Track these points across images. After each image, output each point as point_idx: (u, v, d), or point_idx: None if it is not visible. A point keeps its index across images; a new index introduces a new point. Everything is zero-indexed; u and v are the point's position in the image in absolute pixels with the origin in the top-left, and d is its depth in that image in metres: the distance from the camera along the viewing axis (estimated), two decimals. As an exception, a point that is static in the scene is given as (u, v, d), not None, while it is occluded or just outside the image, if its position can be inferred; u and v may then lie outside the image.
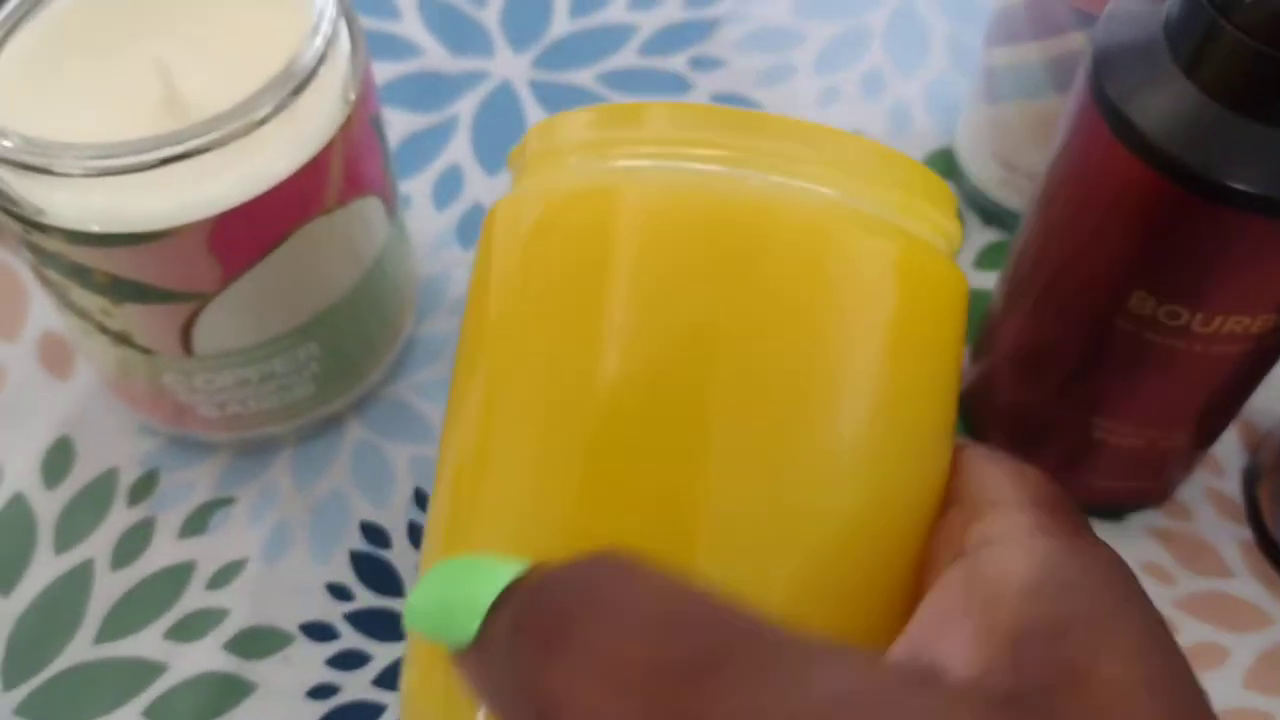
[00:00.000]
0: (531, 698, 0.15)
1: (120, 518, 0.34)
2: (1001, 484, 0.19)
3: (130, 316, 0.29)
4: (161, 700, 0.31)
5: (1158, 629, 0.16)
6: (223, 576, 0.33)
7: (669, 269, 0.18)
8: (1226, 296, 0.25)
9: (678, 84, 0.44)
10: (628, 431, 0.17)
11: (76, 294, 0.29)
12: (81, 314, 0.30)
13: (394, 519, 0.34)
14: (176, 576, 0.33)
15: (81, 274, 0.28)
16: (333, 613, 0.33)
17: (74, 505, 0.34)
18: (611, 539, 0.18)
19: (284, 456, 0.35)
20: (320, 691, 0.32)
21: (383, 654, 0.32)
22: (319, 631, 0.32)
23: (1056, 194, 0.28)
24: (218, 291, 0.29)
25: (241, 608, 0.33)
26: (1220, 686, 0.32)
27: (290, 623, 0.33)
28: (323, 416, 0.35)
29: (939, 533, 0.19)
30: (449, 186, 0.41)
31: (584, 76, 0.44)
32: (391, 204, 0.33)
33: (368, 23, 0.45)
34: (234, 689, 0.31)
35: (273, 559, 0.33)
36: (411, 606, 0.18)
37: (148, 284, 0.28)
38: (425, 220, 0.40)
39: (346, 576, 0.33)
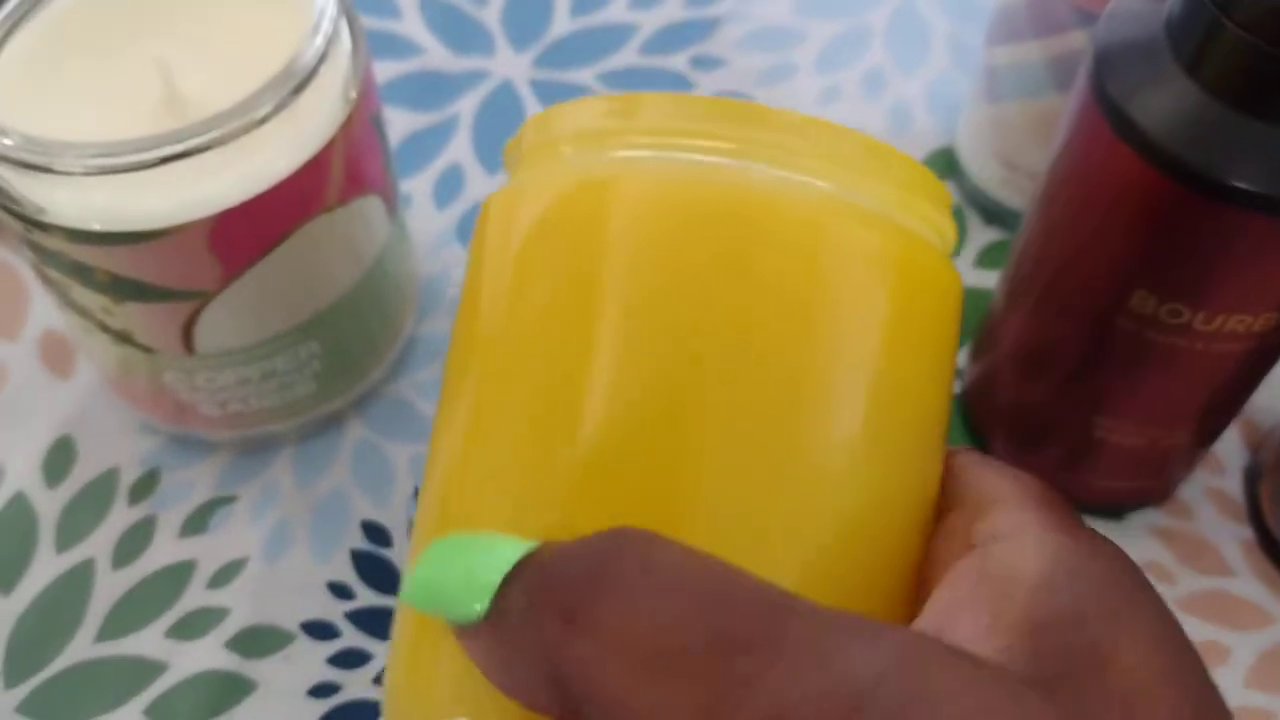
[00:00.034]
0: (555, 675, 0.15)
1: (121, 516, 0.34)
2: (1001, 485, 0.19)
3: (131, 315, 0.29)
4: (162, 699, 0.31)
5: (1169, 622, 0.16)
6: (223, 575, 0.33)
7: (665, 261, 0.18)
8: (1228, 295, 0.25)
9: (679, 83, 0.44)
10: (623, 426, 0.17)
11: (77, 293, 0.29)
12: (82, 313, 0.30)
13: (395, 518, 0.34)
14: (177, 575, 0.33)
15: (82, 273, 0.28)
16: (334, 611, 0.33)
17: (75, 504, 0.34)
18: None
19: (285, 455, 0.35)
20: (321, 690, 0.32)
21: (384, 653, 0.32)
22: (320, 630, 0.32)
23: (1058, 193, 0.28)
24: (219, 290, 0.29)
25: (242, 606, 0.33)
26: (1222, 685, 0.32)
27: (291, 621, 0.33)
28: (324, 415, 0.35)
29: (942, 533, 0.19)
30: (450, 185, 0.41)
31: (585, 76, 0.44)
32: (392, 203, 0.33)
33: (368, 22, 0.45)
34: (235, 688, 0.31)
35: (273, 558, 0.34)
36: (414, 581, 0.17)
37: (149, 283, 0.28)
38: (426, 219, 0.40)
39: (347, 575, 0.33)
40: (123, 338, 0.30)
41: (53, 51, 0.30)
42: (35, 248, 0.28)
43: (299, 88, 0.27)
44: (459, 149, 0.42)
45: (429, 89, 0.43)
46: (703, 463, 0.17)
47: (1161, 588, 0.34)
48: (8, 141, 0.26)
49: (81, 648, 0.32)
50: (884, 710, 0.13)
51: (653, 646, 0.14)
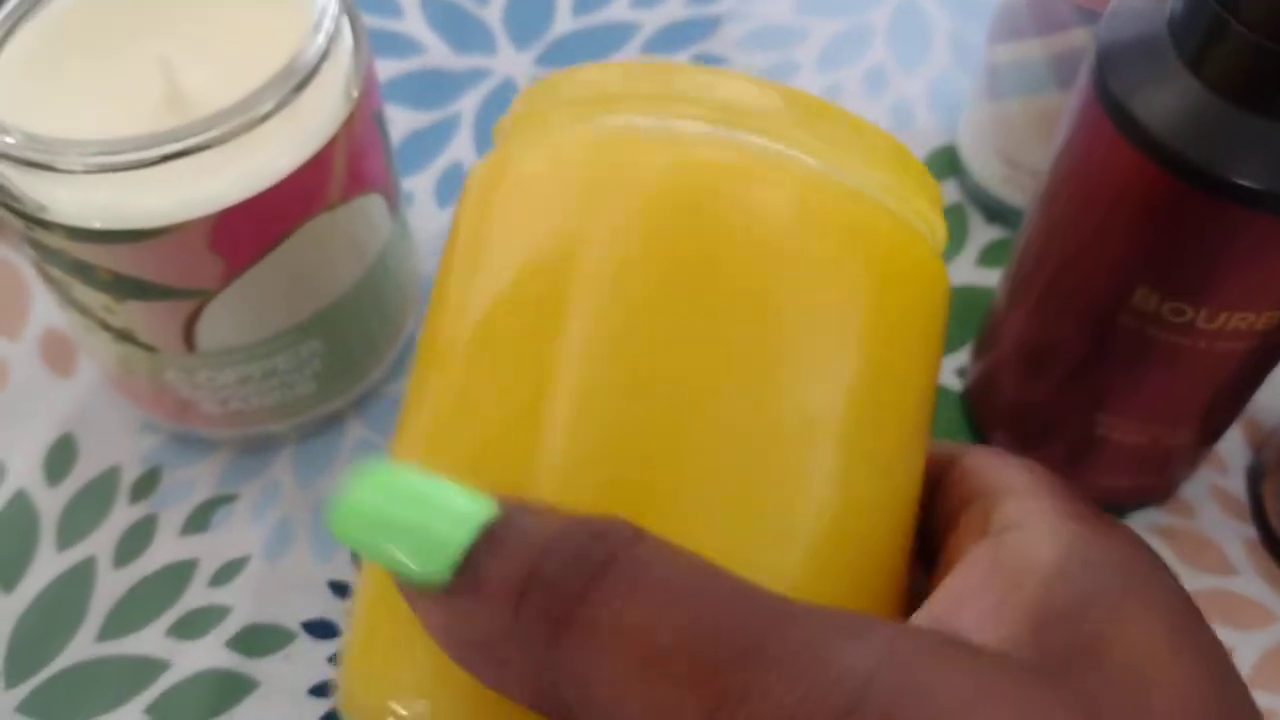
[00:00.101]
0: (540, 672, 0.15)
1: (122, 515, 0.34)
2: (1014, 475, 0.19)
3: (132, 313, 0.29)
4: (164, 698, 0.31)
5: (1184, 603, 0.16)
6: (225, 574, 0.33)
7: (644, 229, 0.17)
8: (1231, 293, 0.25)
9: (680, 81, 0.44)
10: (598, 405, 0.17)
11: (79, 291, 0.29)
12: (84, 311, 0.30)
13: (396, 516, 0.34)
14: (178, 574, 0.33)
15: (84, 271, 0.28)
16: (334, 610, 0.33)
17: (76, 502, 0.34)
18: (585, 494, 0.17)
19: (286, 454, 0.35)
20: (322, 689, 0.32)
21: (385, 651, 0.32)
22: (321, 629, 0.32)
23: (1060, 191, 0.28)
24: (220, 288, 0.29)
25: (243, 605, 0.33)
26: (1224, 684, 0.32)
27: (292, 620, 0.33)
28: (324, 414, 0.35)
29: (959, 527, 0.19)
30: (451, 184, 0.41)
31: (586, 74, 0.44)
32: (394, 201, 0.33)
33: (370, 21, 0.45)
34: (236, 686, 0.31)
35: (274, 556, 0.33)
36: (349, 511, 0.15)
37: (150, 281, 0.28)
38: (428, 218, 0.40)
39: (348, 574, 0.33)
40: (124, 336, 0.30)
41: (53, 51, 0.30)
42: (36, 246, 0.28)
43: (301, 85, 0.27)
44: (461, 148, 0.42)
45: (431, 88, 0.43)
46: (673, 440, 0.17)
47: (1164, 586, 0.34)
48: (9, 139, 0.26)
49: (82, 646, 0.32)
50: (877, 707, 0.13)
51: (651, 651, 0.14)
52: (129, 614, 0.32)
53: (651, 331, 0.17)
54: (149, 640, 0.32)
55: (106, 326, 0.30)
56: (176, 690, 0.31)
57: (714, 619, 0.14)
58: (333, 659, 0.32)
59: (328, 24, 0.28)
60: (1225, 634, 0.33)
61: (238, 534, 0.34)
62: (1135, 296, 0.27)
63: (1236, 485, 0.35)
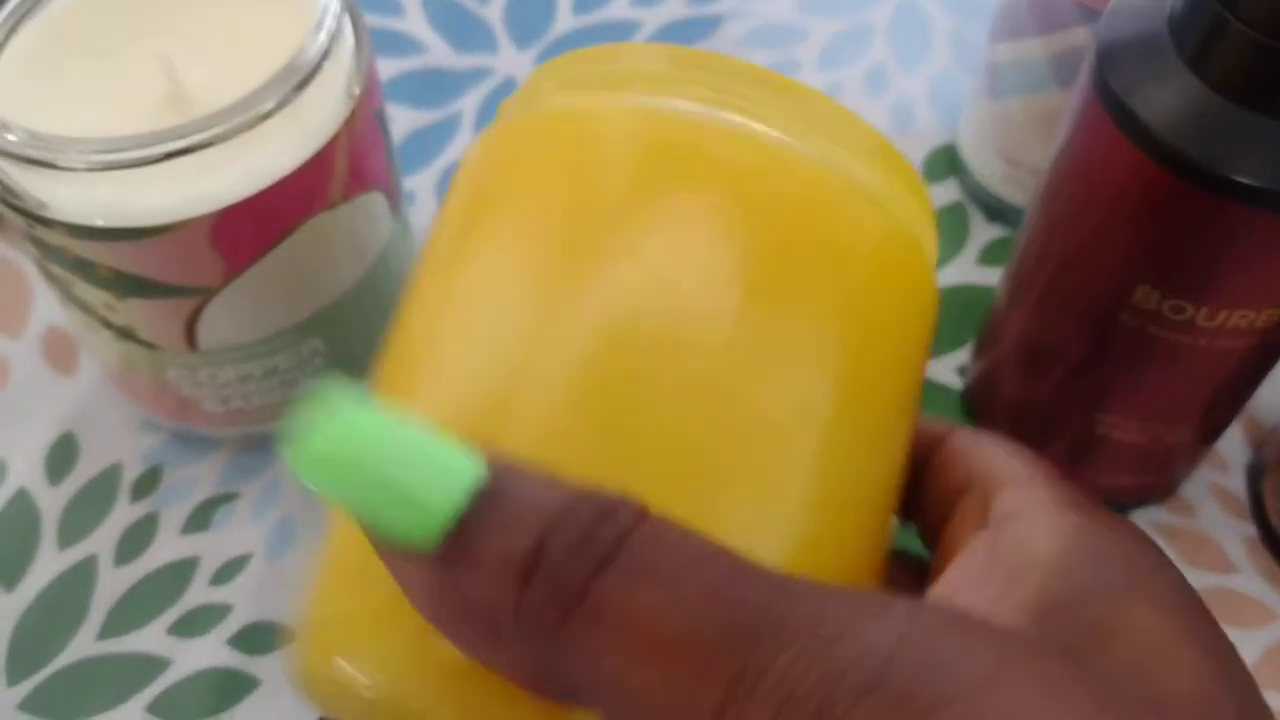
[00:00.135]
0: (542, 652, 0.14)
1: (124, 513, 0.34)
2: (1013, 464, 0.19)
3: (134, 311, 0.29)
4: (165, 696, 0.31)
5: (1189, 593, 0.16)
6: (226, 572, 0.33)
7: (640, 196, 0.18)
8: (1231, 291, 0.25)
9: (681, 81, 0.44)
10: (582, 347, 0.17)
11: (80, 289, 0.29)
12: (85, 309, 0.30)
13: (397, 515, 0.34)
14: (180, 572, 0.33)
15: (85, 269, 0.28)
16: (336, 608, 0.33)
17: (77, 501, 0.34)
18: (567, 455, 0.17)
19: (287, 452, 0.35)
20: (324, 687, 0.32)
21: (386, 649, 0.32)
22: (322, 627, 0.32)
23: (1060, 189, 0.28)
24: (222, 286, 0.29)
25: (245, 603, 0.33)
26: (1224, 682, 0.32)
27: (293, 619, 0.33)
28: (326, 412, 0.35)
29: (957, 514, 0.19)
30: (452, 183, 0.41)
31: (587, 73, 0.44)
32: (395, 200, 0.33)
33: (372, 20, 0.45)
34: (237, 684, 0.32)
35: (276, 554, 0.34)
36: (319, 455, 0.14)
37: (151, 279, 0.28)
38: (429, 217, 0.40)
39: (350, 572, 0.33)
40: (125, 334, 0.30)
41: (54, 50, 0.30)
42: (38, 243, 0.28)
43: (302, 84, 0.27)
44: (462, 147, 0.42)
45: (432, 86, 0.43)
46: (654, 399, 0.16)
47: (1164, 585, 0.34)
48: (11, 137, 0.26)
49: (84, 645, 0.32)
50: (899, 684, 0.13)
51: (665, 635, 0.14)
52: (130, 612, 0.33)
53: (636, 290, 0.17)
54: (150, 638, 0.32)
55: (108, 324, 0.30)
56: (177, 688, 0.31)
57: (727, 599, 0.14)
58: (334, 657, 0.32)
59: (329, 22, 0.28)
60: (1226, 632, 0.33)
61: (239, 533, 0.34)
62: (1136, 295, 0.27)
63: (1236, 483, 0.35)
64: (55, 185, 0.27)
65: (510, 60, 0.44)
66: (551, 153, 0.19)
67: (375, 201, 0.32)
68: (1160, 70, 0.24)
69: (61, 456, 0.35)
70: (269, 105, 0.27)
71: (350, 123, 0.29)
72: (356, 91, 0.29)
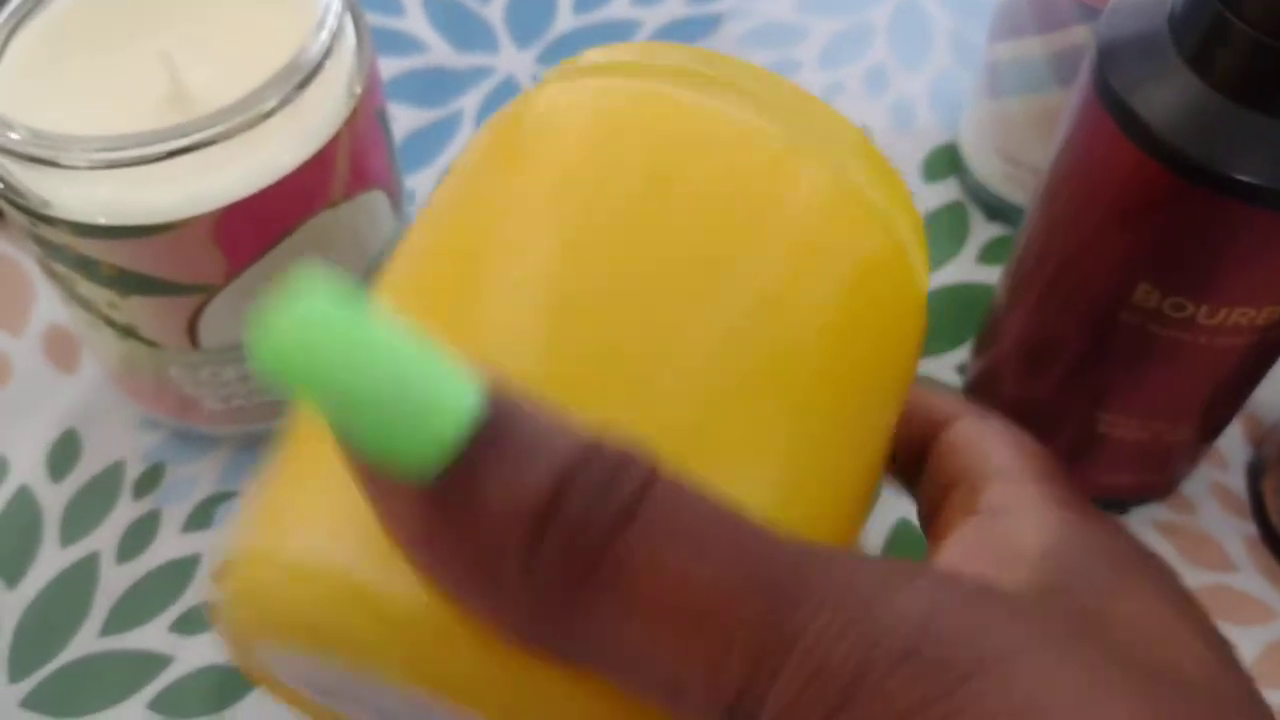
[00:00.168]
0: (552, 622, 0.13)
1: (126, 511, 0.34)
2: (1005, 456, 0.19)
3: (136, 309, 0.29)
4: (167, 692, 0.31)
5: (1175, 581, 0.16)
6: (228, 570, 0.33)
7: (645, 172, 0.18)
8: (1231, 289, 0.25)
9: (682, 80, 0.44)
10: (579, 286, 0.17)
11: (83, 287, 0.29)
12: (88, 307, 0.30)
13: (398, 513, 0.34)
14: (182, 570, 0.33)
15: (88, 266, 0.28)
16: (337, 606, 0.33)
17: (80, 498, 0.34)
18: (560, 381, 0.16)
19: (289, 450, 0.35)
20: (325, 684, 0.32)
21: (387, 647, 0.32)
22: (324, 625, 0.33)
23: (1060, 188, 0.28)
24: (224, 284, 0.29)
25: (246, 601, 0.33)
26: (1224, 680, 0.32)
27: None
28: (327, 410, 0.35)
29: (947, 507, 0.19)
30: (453, 182, 0.41)
31: (588, 72, 0.44)
32: (397, 198, 0.33)
33: (373, 19, 0.45)
34: (239, 682, 0.32)
35: (278, 552, 0.34)
36: (293, 350, 0.12)
37: (154, 276, 0.28)
38: (429, 215, 0.40)
39: (351, 570, 0.33)
40: (127, 332, 0.30)
41: (57, 49, 0.30)
42: (40, 241, 0.28)
43: (304, 83, 0.27)
44: (462, 145, 0.42)
45: (433, 86, 0.43)
46: (642, 337, 0.16)
47: (1164, 583, 0.34)
48: (14, 135, 0.26)
49: (86, 642, 0.32)
50: (935, 651, 0.13)
51: (690, 600, 0.13)
52: (132, 609, 0.33)
53: (626, 243, 0.17)
54: (152, 636, 0.32)
55: (110, 322, 0.30)
56: (179, 685, 0.31)
57: (754, 563, 0.13)
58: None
59: (331, 21, 0.28)
60: (1225, 630, 0.33)
61: (240, 530, 0.34)
62: (1136, 293, 0.27)
63: (1237, 481, 0.35)
64: (58, 183, 0.27)
65: (511, 60, 0.44)
66: (564, 122, 0.19)
67: (376, 200, 0.32)
68: (1160, 69, 0.24)
69: (63, 454, 0.35)
70: (271, 104, 0.27)
71: (352, 122, 0.29)
72: (358, 90, 0.29)
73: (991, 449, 0.19)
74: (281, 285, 0.11)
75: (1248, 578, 0.34)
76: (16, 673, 0.32)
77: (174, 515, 0.34)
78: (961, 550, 0.17)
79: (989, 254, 0.40)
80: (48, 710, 0.31)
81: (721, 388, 0.16)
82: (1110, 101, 0.25)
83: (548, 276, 0.17)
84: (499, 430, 0.13)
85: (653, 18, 0.46)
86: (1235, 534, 0.34)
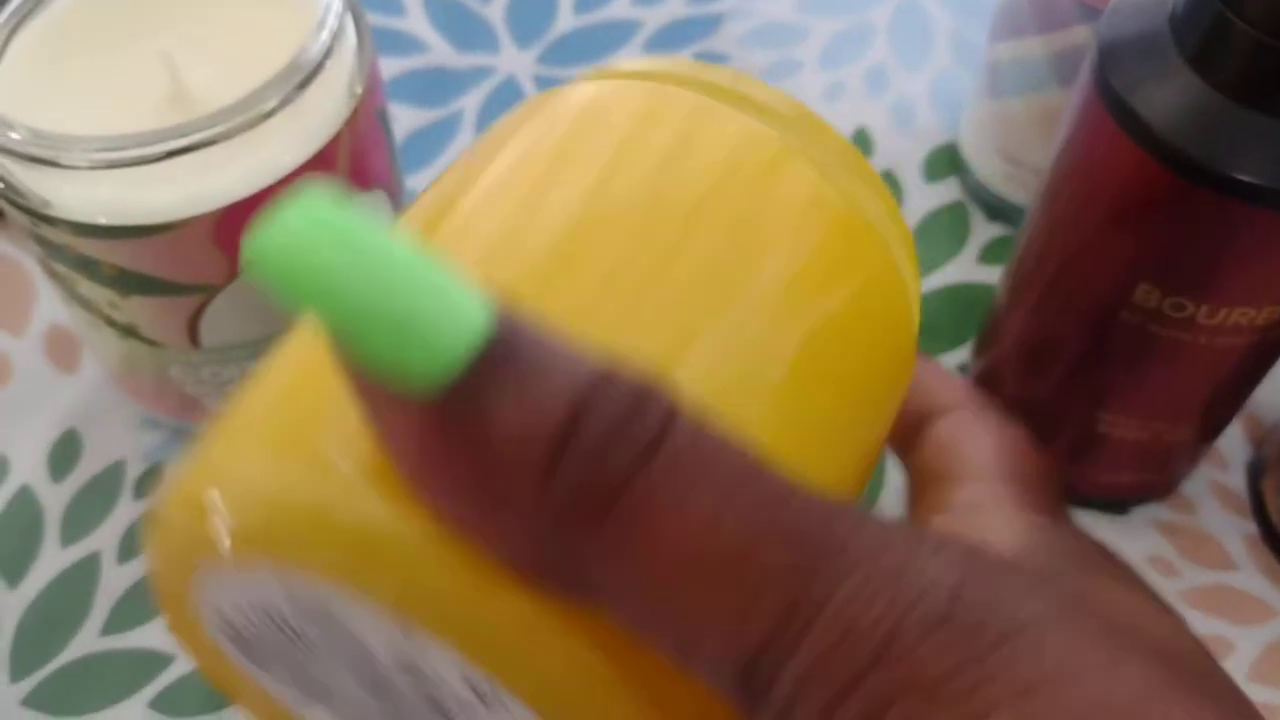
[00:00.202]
0: (564, 560, 0.12)
1: (127, 510, 0.34)
2: (984, 456, 0.19)
3: (137, 309, 0.29)
4: (167, 692, 0.31)
5: (1136, 576, 0.16)
6: (228, 569, 0.33)
7: (656, 164, 0.18)
8: (1232, 289, 0.25)
9: (682, 79, 0.44)
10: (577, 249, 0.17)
11: (84, 286, 0.29)
12: (88, 307, 0.30)
13: (399, 512, 0.34)
14: (182, 569, 0.33)
15: (88, 266, 0.28)
16: (338, 606, 0.33)
17: (81, 498, 0.34)
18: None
19: (289, 450, 0.35)
20: (326, 684, 0.32)
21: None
22: (324, 624, 0.33)
23: (1061, 188, 0.28)
24: (224, 284, 0.29)
25: (247, 601, 0.33)
26: (1224, 680, 0.32)
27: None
28: (328, 410, 0.35)
29: (922, 505, 0.19)
30: (454, 181, 0.41)
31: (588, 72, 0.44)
32: (397, 198, 0.33)
33: (373, 19, 0.45)
34: (240, 681, 0.32)
35: (278, 552, 0.34)
36: (296, 258, 0.11)
37: (155, 276, 0.28)
38: (430, 215, 0.40)
39: (352, 570, 0.33)
40: (128, 332, 0.30)
41: (57, 49, 0.30)
42: (41, 241, 0.28)
43: (304, 83, 0.27)
44: (463, 145, 0.42)
45: (433, 86, 0.43)
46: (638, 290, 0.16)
47: (1164, 581, 0.34)
48: (15, 136, 0.26)
49: (87, 641, 0.32)
50: (968, 617, 0.12)
51: (716, 549, 0.12)
52: (133, 609, 0.33)
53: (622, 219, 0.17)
54: (153, 635, 0.32)
55: (111, 322, 0.30)
56: (180, 684, 0.31)
57: (784, 515, 0.12)
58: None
59: (332, 21, 0.28)
60: (1226, 629, 0.33)
61: (241, 530, 0.34)
62: (1136, 293, 0.27)
63: (1237, 481, 0.35)
64: (58, 183, 0.27)
65: (511, 60, 0.44)
66: (601, 107, 0.19)
67: (377, 200, 0.32)
68: (1161, 69, 0.24)
69: (64, 454, 0.35)
70: (271, 104, 0.27)
71: (352, 121, 0.29)
72: (358, 90, 0.29)
73: (972, 449, 0.19)
74: (286, 200, 0.10)
75: (1248, 577, 0.34)
76: (17, 672, 0.32)
77: (175, 515, 0.34)
78: None
79: (989, 254, 0.40)
80: (48, 709, 0.31)
81: (713, 390, 0.16)
82: (1111, 101, 0.25)
83: (548, 248, 0.17)
84: (510, 349, 0.12)
85: (653, 18, 0.46)
86: (1235, 533, 0.34)
